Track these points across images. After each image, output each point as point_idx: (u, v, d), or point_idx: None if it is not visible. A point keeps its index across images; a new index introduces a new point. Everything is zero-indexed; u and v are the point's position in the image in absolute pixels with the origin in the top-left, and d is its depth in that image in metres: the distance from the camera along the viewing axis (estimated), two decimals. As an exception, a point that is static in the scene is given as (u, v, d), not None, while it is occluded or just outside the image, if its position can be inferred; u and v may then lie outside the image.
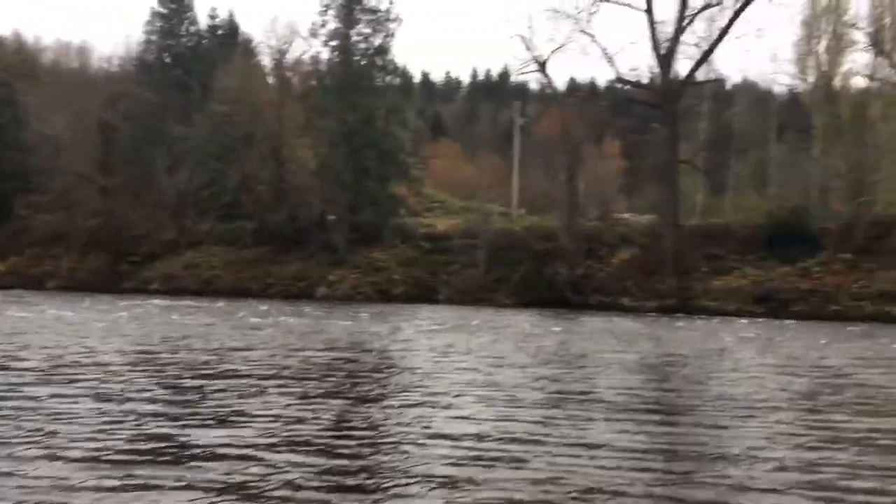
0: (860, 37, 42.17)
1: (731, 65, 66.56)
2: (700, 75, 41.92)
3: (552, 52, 41.97)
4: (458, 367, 14.45)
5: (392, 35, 46.44)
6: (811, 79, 45.55)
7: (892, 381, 14.59)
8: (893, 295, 33.31)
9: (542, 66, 42.74)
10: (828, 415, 10.37)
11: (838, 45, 43.69)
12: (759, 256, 37.83)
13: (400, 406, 10.20)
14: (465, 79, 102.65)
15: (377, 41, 46.42)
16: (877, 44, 41.13)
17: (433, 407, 10.06)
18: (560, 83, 49.39)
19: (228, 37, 58.23)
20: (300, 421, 8.91)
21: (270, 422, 8.79)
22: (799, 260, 36.62)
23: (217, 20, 58.71)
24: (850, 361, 17.43)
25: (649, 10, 40.12)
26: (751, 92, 52.26)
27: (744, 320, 31.53)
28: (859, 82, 44.78)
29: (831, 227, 37.86)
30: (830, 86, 44.34)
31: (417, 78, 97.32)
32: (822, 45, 44.33)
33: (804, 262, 36.52)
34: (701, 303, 35.88)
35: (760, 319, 32.18)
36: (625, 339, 21.71)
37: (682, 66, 41.01)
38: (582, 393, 11.71)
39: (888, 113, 43.19)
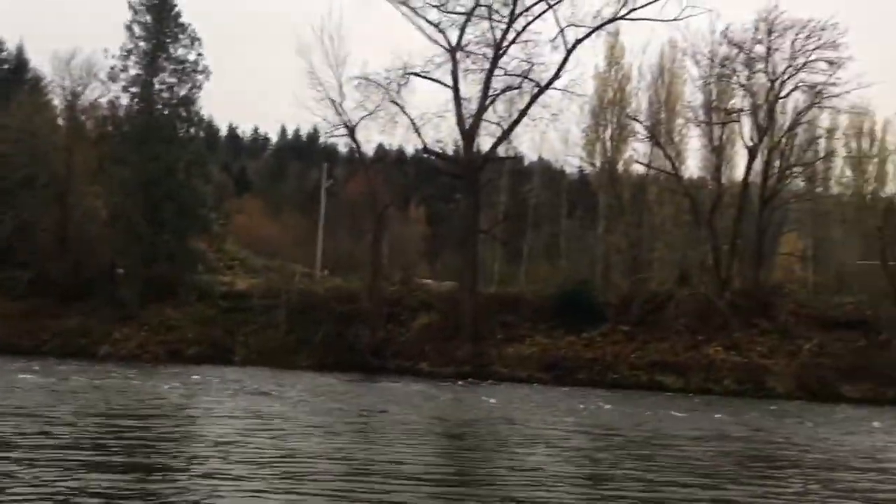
0: (640, 128, 46.60)
1: (529, 144, 72.75)
2: (500, 151, 44.24)
3: (361, 118, 42.77)
4: (251, 433, 13.95)
5: (199, 87, 45.32)
6: (597, 163, 49.53)
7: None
8: (664, 364, 36.26)
9: (351, 130, 43.40)
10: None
11: (621, 135, 47.97)
12: (550, 325, 39.92)
13: (189, 477, 9.66)
14: (274, 136, 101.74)
15: (182, 91, 45.05)
16: (653, 136, 45.56)
17: (222, 479, 9.61)
18: (369, 148, 50.09)
19: (15, 72, 54.18)
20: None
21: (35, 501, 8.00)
22: (584, 330, 39.03)
23: (3, 53, 54.56)
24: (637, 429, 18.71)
25: (455, 88, 42.08)
26: (545, 170, 55.90)
27: (532, 386, 32.96)
28: (639, 169, 49.33)
29: (612, 300, 40.82)
30: (614, 170, 48.40)
31: (224, 131, 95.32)
32: (608, 133, 48.49)
33: (588, 333, 38.96)
34: (495, 369, 37.15)
35: (548, 386, 33.80)
36: (425, 405, 21.97)
37: (484, 142, 43.19)
38: (388, 462, 11.63)
39: (662, 198, 47.81)
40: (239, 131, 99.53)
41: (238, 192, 71.08)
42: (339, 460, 11.66)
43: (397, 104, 42.28)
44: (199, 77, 45.19)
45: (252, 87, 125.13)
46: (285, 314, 40.29)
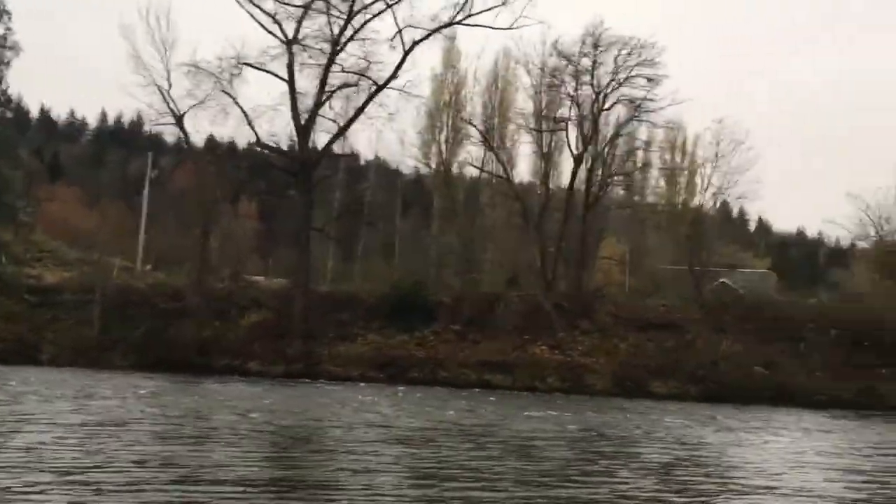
0: (474, 132, 47.70)
1: (365, 143, 71.54)
2: (336, 149, 43.83)
3: (190, 107, 40.94)
4: (57, 441, 12.86)
5: (6, 63, 41.71)
6: (433, 164, 50.23)
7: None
8: (492, 364, 37.26)
9: (178, 119, 41.43)
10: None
11: (456, 137, 48.94)
12: (383, 324, 39.97)
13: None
14: (93, 120, 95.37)
15: (-12, 67, 41.31)
16: (486, 140, 46.79)
17: (18, 494, 8.72)
18: (198, 139, 48.01)
19: None
20: None
21: None
22: (417, 329, 39.40)
23: None
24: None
25: (291, 81, 41.19)
26: (381, 169, 56.05)
27: (363, 385, 32.85)
28: (472, 171, 50.49)
29: (445, 299, 41.49)
30: (448, 172, 49.28)
31: (35, 113, 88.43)
32: (443, 136, 49.29)
33: (421, 332, 39.37)
34: (327, 368, 36.70)
35: (380, 384, 33.80)
36: (252, 405, 21.26)
37: (320, 138, 42.58)
38: (214, 467, 11.08)
39: (495, 201, 49.20)
40: (53, 114, 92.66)
41: (51, 179, 66.09)
42: (159, 467, 10.97)
43: (229, 95, 40.88)
44: (8, 53, 41.74)
45: (70, 67, 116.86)
46: (100, 310, 37.80)
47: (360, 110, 42.10)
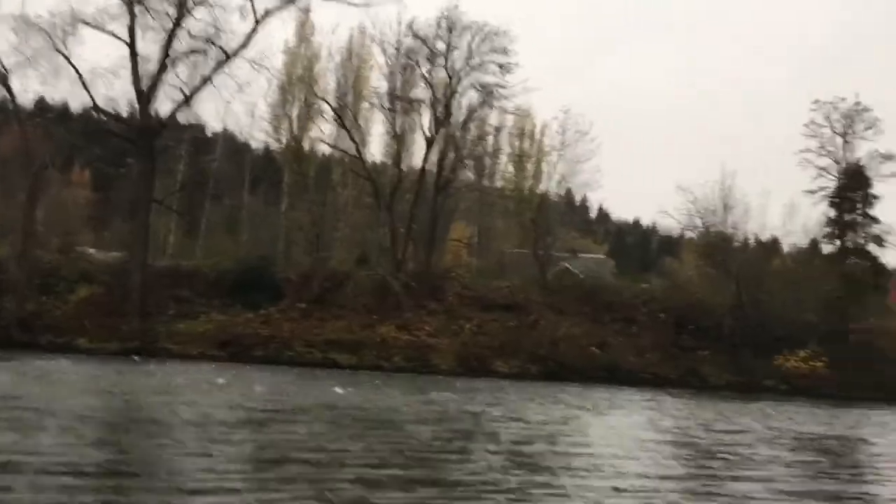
0: (326, 109, 46.87)
1: (213, 114, 69.15)
2: (181, 118, 41.87)
3: (17, 63, 37.77)
4: None
5: None
6: (283, 139, 49.02)
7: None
8: (339, 343, 37.00)
9: (2, 77, 38.14)
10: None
11: (308, 113, 47.90)
12: (226, 301, 38.75)
13: None
14: None
15: None
16: (339, 117, 46.15)
17: None
18: (26, 99, 44.28)
19: None
20: None
21: None
22: (262, 306, 38.47)
23: None
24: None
25: (132, 44, 38.84)
26: (229, 142, 54.03)
27: (204, 364, 31.70)
28: (324, 148, 49.68)
29: (292, 277, 40.74)
30: (300, 147, 48.24)
31: None
32: (295, 111, 48.16)
33: (266, 309, 38.47)
34: (165, 346, 35.13)
35: (222, 363, 32.72)
36: (79, 385, 20.01)
37: (163, 106, 40.44)
38: (35, 454, 10.25)
39: (346, 179, 48.70)
40: None
41: None
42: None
43: (62, 54, 38.05)
44: None
45: None
46: None
47: (208, 79, 40.33)
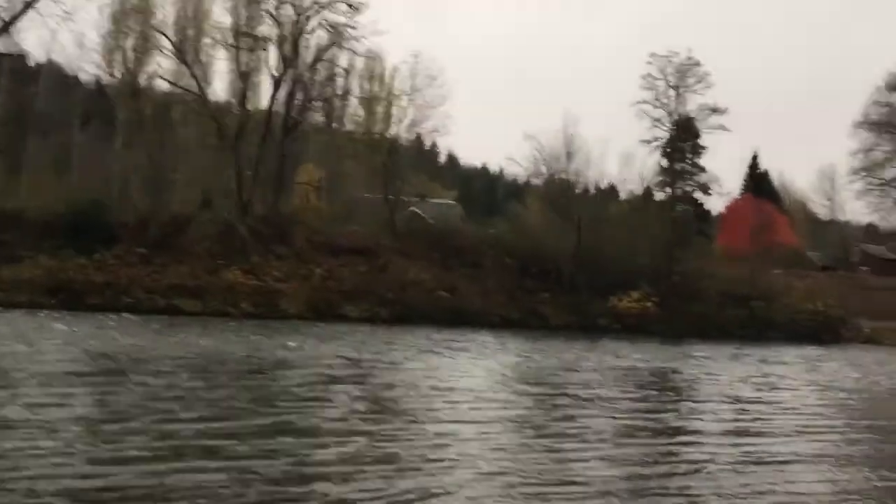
0: (165, 42, 44.21)
1: (36, 42, 62.89)
2: (-1, 46, 38.19)
3: None
4: None
5: None
6: (117, 73, 45.92)
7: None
8: (182, 289, 35.66)
9: None
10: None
11: (145, 46, 45.00)
12: (56, 245, 36.29)
13: None
14: None
15: None
16: (180, 52, 43.70)
17: None
18: None
19: None
20: None
21: None
22: (96, 251, 36.36)
23: None
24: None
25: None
26: (56, 74, 49.92)
27: (34, 312, 29.74)
28: (163, 85, 46.92)
29: (129, 220, 38.66)
30: (135, 83, 45.38)
31: None
32: (129, 43, 45.12)
33: (101, 255, 36.40)
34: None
35: (55, 311, 30.80)
36: None
37: (-22, 32, 36.63)
38: None
39: (188, 119, 46.40)
40: None
41: None
42: None
43: None
44: None
45: None
46: None
47: (29, 4, 36.88)
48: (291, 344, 22.29)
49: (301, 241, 41.43)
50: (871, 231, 73.31)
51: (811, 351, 33.19)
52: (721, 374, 20.62)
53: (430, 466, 8.28)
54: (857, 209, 72.97)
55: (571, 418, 11.84)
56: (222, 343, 21.98)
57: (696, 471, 8.78)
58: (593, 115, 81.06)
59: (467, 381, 16.25)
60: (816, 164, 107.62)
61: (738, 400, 15.58)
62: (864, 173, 61.73)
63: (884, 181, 61.20)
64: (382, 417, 11.12)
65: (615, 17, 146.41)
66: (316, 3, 43.07)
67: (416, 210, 53.22)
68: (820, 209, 74.60)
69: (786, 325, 41.57)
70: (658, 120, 47.99)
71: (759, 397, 16.10)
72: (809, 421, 13.25)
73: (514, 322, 38.87)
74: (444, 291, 40.50)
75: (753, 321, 41.52)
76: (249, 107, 44.88)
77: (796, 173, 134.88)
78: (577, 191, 47.93)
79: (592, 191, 50.07)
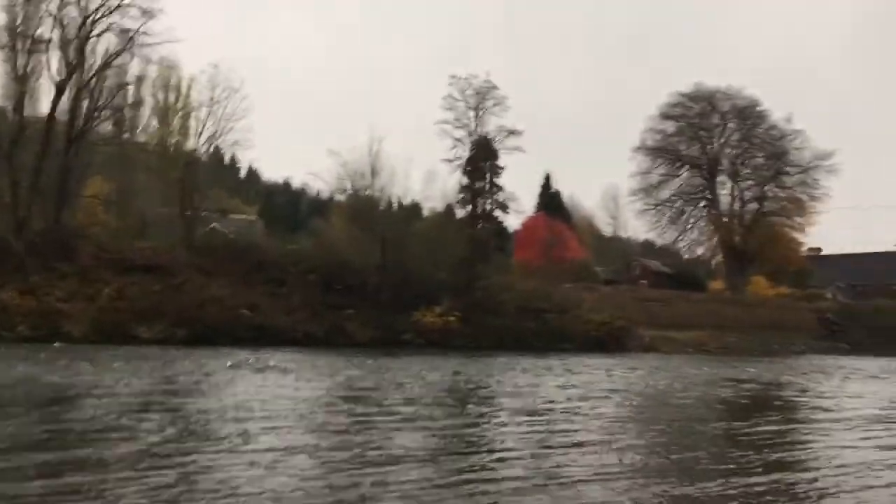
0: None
1: None
2: None
3: None
4: None
5: None
6: None
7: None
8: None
9: None
10: None
11: None
12: None
13: None
14: None
15: None
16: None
17: None
18: None
19: None
20: None
21: None
22: None
23: None
24: None
25: None
26: None
27: None
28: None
29: None
30: None
31: None
32: None
33: None
34: None
35: None
36: None
37: None
38: None
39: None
40: None
41: None
42: None
43: None
44: None
45: None
46: None
47: None
48: (81, 367, 20.57)
49: (87, 258, 38.58)
50: (648, 247, 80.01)
51: (607, 360, 35.42)
52: (537, 386, 21.45)
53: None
54: (636, 227, 79.21)
55: (389, 438, 11.80)
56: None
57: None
58: (398, 134, 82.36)
59: (278, 402, 15.77)
60: (603, 184, 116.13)
61: (549, 410, 16.25)
62: (641, 194, 67.44)
63: (659, 202, 67.15)
64: (194, 447, 10.50)
65: (418, 38, 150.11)
66: (105, 6, 40.55)
67: (216, 226, 51.33)
68: (605, 226, 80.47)
69: (577, 335, 44.19)
70: (459, 140, 49.64)
71: (577, 407, 16.88)
72: (615, 428, 14.08)
73: (318, 339, 38.40)
74: (245, 309, 39.26)
75: (548, 332, 43.77)
76: (28, 113, 41.28)
77: (585, 193, 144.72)
78: (381, 207, 48.35)
79: (396, 207, 50.77)
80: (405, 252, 44.93)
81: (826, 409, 17.96)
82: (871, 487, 9.17)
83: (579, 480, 9.00)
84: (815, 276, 72.18)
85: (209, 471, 8.90)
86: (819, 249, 77.20)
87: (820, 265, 74.57)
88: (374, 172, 47.49)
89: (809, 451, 12.08)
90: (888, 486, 9.33)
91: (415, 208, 53.22)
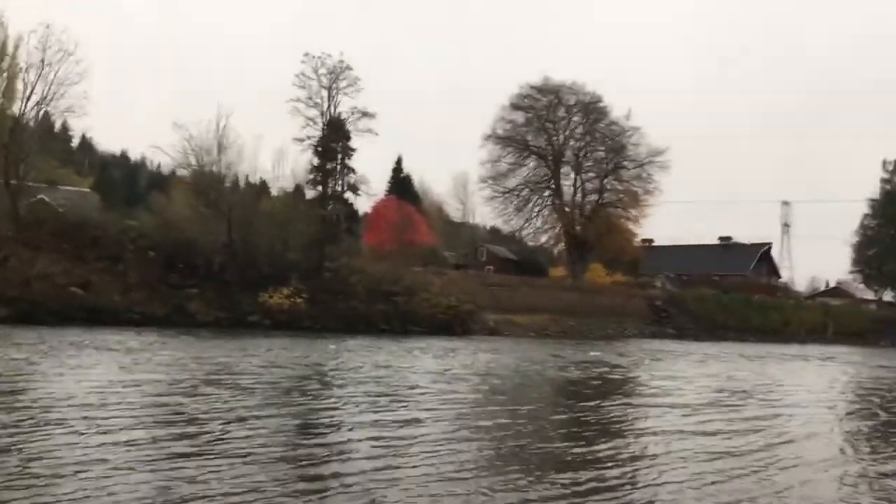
0: None
1: None
2: None
3: None
4: None
5: None
6: None
7: None
8: None
9: None
10: None
11: None
12: None
13: None
14: None
15: None
16: None
17: None
18: None
19: None
20: None
21: None
22: None
23: None
24: None
25: None
26: None
27: None
28: None
29: None
30: None
31: None
32: None
33: None
34: None
35: None
36: None
37: None
38: None
39: None
40: None
41: None
42: None
43: None
44: None
45: None
46: None
47: None
48: None
49: None
50: (495, 233, 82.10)
51: (455, 342, 36.00)
52: (389, 365, 21.44)
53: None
54: (485, 213, 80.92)
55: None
56: None
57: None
58: (247, 109, 79.72)
59: (89, 385, 14.90)
60: (454, 171, 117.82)
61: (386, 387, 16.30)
62: (490, 181, 68.90)
63: (507, 189, 68.88)
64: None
65: (270, 13, 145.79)
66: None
67: (45, 198, 47.83)
68: (454, 212, 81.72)
69: (426, 318, 44.65)
70: (311, 119, 48.69)
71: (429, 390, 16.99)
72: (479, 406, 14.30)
73: (158, 319, 36.66)
74: (77, 287, 36.89)
75: (398, 315, 43.97)
76: None
77: (435, 179, 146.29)
78: (227, 184, 46.71)
79: (244, 185, 49.25)
80: (253, 231, 43.70)
81: (661, 394, 19.13)
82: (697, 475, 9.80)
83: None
84: (647, 265, 76.67)
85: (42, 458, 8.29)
86: (651, 240, 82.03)
87: (651, 255, 79.26)
88: (220, 148, 45.81)
89: (642, 436, 12.79)
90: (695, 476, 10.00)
91: (263, 187, 51.82)
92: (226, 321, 38.39)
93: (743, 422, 13.45)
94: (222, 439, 9.66)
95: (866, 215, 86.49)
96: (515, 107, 68.46)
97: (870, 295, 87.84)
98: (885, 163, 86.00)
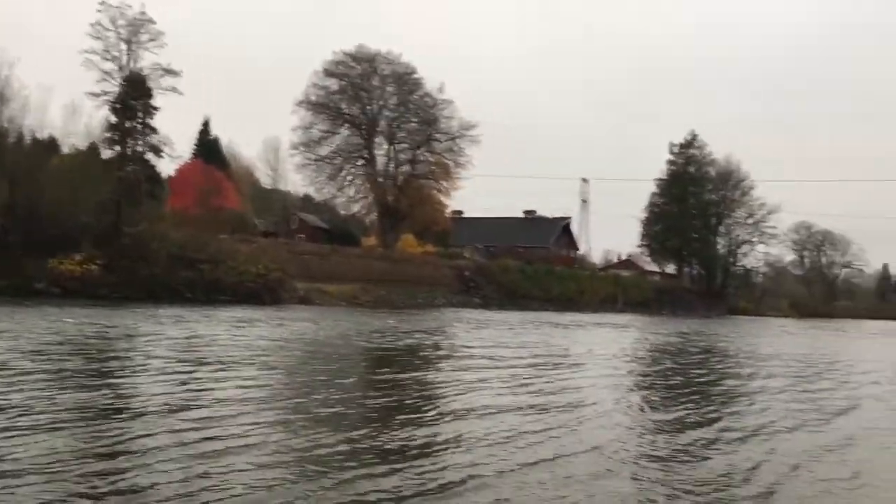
0: None
1: None
2: None
3: None
4: None
5: None
6: None
7: None
8: None
9: None
10: None
11: None
12: None
13: None
14: None
15: None
16: None
17: None
18: None
19: None
20: None
21: None
22: None
23: None
24: None
25: None
26: None
27: None
28: None
29: None
30: None
31: None
32: None
33: None
34: None
35: None
36: None
37: None
38: None
39: None
40: None
41: None
42: None
43: None
44: None
45: None
46: None
47: None
48: None
49: None
50: (307, 201, 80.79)
51: (260, 312, 35.11)
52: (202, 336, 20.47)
53: None
54: (297, 181, 79.29)
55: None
56: None
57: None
58: (35, 59, 72.69)
59: None
60: (265, 135, 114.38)
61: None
62: (303, 148, 67.55)
63: (319, 157, 67.84)
64: None
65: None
66: None
67: None
68: (265, 178, 79.42)
69: (232, 287, 43.19)
70: (108, 73, 45.22)
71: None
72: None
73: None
74: None
75: (203, 283, 42.19)
76: None
77: (246, 142, 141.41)
78: (10, 140, 42.48)
79: (30, 141, 45.01)
80: (40, 192, 40.08)
81: (475, 357, 19.72)
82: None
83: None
84: (457, 236, 78.70)
85: None
86: (461, 212, 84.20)
87: (461, 226, 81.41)
88: (2, 100, 41.51)
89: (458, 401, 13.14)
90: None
91: (52, 144, 47.59)
92: (9, 289, 35.10)
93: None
94: None
95: (654, 194, 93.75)
96: (329, 73, 67.43)
97: (655, 268, 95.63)
98: (671, 145, 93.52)
